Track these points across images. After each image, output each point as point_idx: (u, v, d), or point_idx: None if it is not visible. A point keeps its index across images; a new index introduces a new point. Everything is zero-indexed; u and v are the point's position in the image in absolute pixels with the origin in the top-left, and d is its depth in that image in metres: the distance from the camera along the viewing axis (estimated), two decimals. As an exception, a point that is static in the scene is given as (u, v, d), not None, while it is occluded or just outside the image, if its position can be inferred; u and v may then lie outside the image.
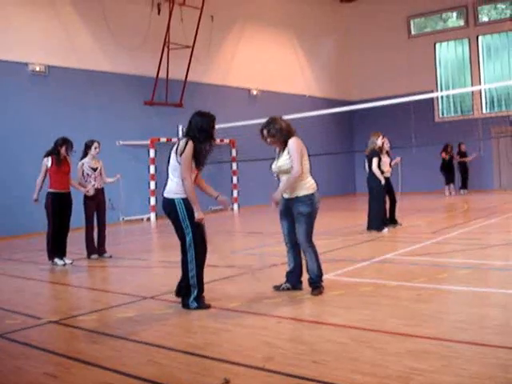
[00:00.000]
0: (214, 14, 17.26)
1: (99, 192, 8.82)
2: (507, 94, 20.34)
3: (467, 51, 21.54)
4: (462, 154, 19.68)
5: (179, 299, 5.28)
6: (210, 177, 12.83)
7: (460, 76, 21.81)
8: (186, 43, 16.01)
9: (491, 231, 10.09)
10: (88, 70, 14.45)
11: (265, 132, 5.58)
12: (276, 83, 19.87)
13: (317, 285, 5.55)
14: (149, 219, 15.52)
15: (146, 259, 8.69)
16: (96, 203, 8.75)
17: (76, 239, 9.30)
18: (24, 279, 7.32)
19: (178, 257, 5.29)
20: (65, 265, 8.16)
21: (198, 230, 5.19)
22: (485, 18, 21.47)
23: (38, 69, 13.45)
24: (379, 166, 10.17)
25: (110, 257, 8.71)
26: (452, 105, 22.01)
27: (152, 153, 15.50)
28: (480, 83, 20.83)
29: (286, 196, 5.58)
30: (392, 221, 10.76)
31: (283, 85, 20.19)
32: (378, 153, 10.24)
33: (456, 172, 19.68)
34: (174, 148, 5.24)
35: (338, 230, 10.88)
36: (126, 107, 15.29)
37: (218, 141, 5.52)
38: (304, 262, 5.65)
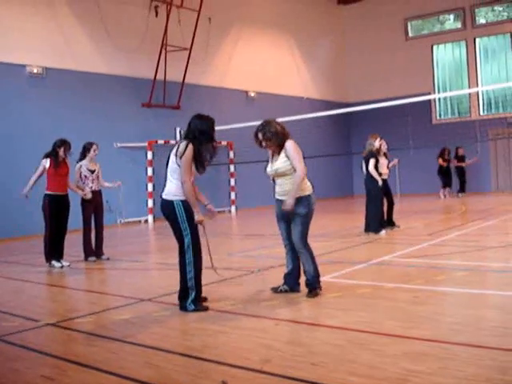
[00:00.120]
0: (211, 16, 17.28)
1: (97, 194, 8.81)
2: (504, 96, 20.40)
3: (464, 53, 21.59)
4: (460, 159, 19.68)
5: (176, 301, 5.27)
6: (207, 179, 12.86)
7: (457, 78, 21.86)
8: (184, 45, 16.02)
9: (488, 233, 10.11)
10: (85, 72, 14.45)
11: (260, 135, 5.53)
12: (273, 85, 19.90)
13: (313, 286, 5.54)
14: (146, 221, 15.51)
15: (143, 261, 8.67)
16: (94, 205, 8.74)
17: (73, 241, 9.29)
18: (21, 281, 7.30)
19: (176, 259, 5.28)
20: (62, 267, 8.14)
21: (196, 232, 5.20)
22: (482, 20, 21.53)
23: (35, 71, 13.45)
24: (377, 168, 10.19)
25: (108, 259, 8.70)
26: (449, 107, 22.06)
27: (150, 155, 15.51)
28: (477, 85, 20.88)
29: (282, 198, 5.57)
30: (389, 223, 10.76)
31: (280, 87, 20.21)
32: (375, 154, 10.25)
33: (453, 176, 19.68)
34: (174, 150, 5.23)
35: (336, 232, 10.88)
36: (124, 109, 15.30)
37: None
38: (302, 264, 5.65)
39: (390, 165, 11.19)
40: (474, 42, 21.38)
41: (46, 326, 4.91)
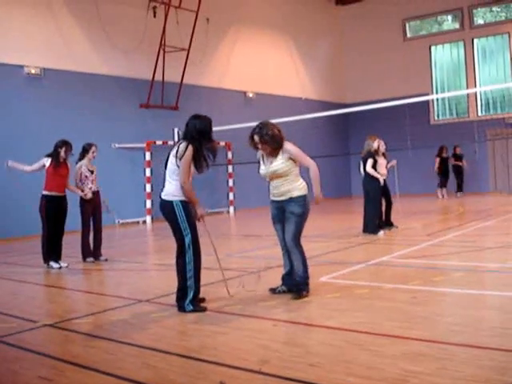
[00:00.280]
0: (209, 16, 17.27)
1: (96, 195, 8.81)
2: (502, 97, 20.42)
3: (462, 54, 21.61)
4: (457, 157, 19.69)
5: (174, 302, 5.27)
6: (205, 180, 12.86)
7: (455, 78, 21.88)
8: (182, 46, 16.01)
9: (487, 233, 10.12)
10: (83, 73, 14.43)
11: (256, 138, 5.47)
12: (271, 86, 19.90)
13: (300, 288, 5.49)
14: (144, 222, 15.50)
15: (141, 262, 8.66)
16: (92, 206, 8.73)
17: (71, 242, 9.27)
18: (19, 282, 7.29)
19: (174, 259, 5.28)
20: (60, 268, 8.13)
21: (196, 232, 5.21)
22: (480, 21, 21.55)
23: (33, 71, 13.43)
24: (375, 168, 10.19)
25: (106, 260, 8.69)
26: (447, 107, 22.08)
27: (148, 156, 15.50)
28: (475, 86, 20.91)
29: (278, 199, 5.56)
30: (388, 223, 10.77)
31: (279, 87, 20.21)
32: (373, 155, 10.26)
33: (450, 175, 19.68)
34: (174, 151, 5.22)
35: (334, 233, 10.89)
36: (122, 110, 15.28)
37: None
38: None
39: (389, 166, 11.18)
40: (472, 43, 21.40)
41: (43, 327, 4.90)
